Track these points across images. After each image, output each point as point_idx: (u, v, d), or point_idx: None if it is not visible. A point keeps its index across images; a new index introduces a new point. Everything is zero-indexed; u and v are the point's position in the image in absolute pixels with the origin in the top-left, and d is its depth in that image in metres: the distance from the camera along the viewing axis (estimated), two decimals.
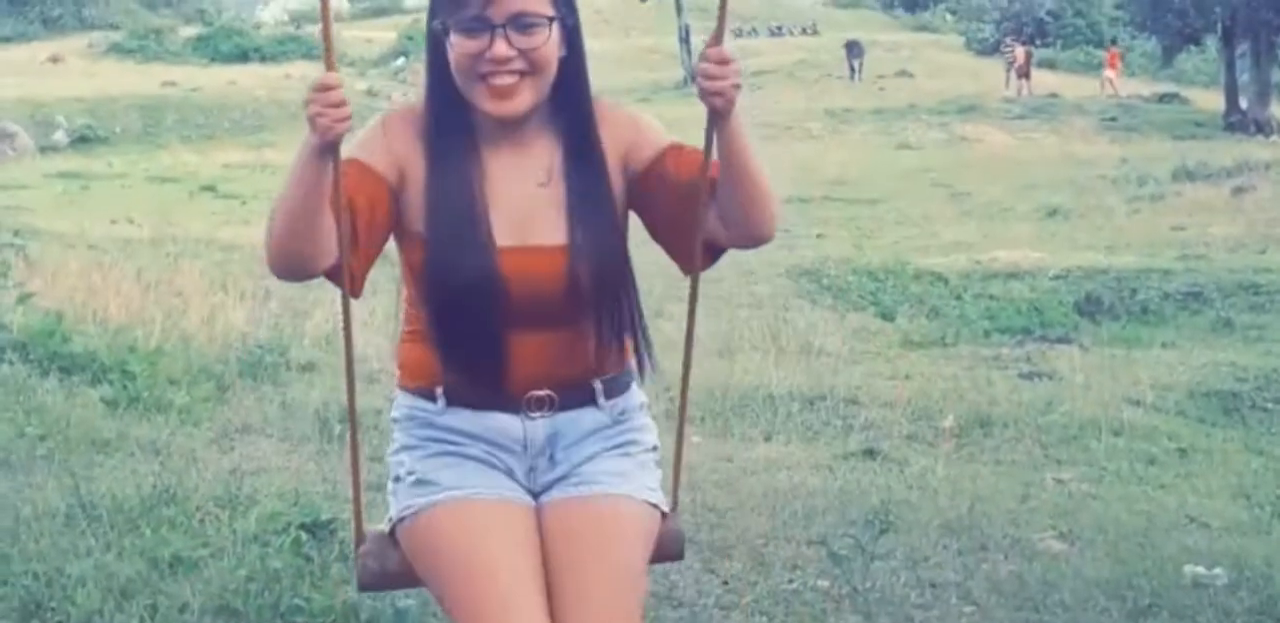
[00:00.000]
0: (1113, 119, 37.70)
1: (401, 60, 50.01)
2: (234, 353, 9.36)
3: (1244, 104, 37.62)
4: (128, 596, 4.65)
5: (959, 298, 15.61)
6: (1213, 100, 40.13)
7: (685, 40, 50.65)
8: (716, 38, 2.61)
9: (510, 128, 2.74)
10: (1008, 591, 5.34)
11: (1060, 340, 13.04)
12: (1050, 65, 50.56)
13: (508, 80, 2.65)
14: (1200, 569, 5.66)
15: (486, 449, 2.80)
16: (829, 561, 5.46)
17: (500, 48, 2.62)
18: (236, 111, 37.94)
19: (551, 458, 2.82)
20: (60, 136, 34.49)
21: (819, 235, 21.07)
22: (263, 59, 50.40)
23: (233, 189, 24.98)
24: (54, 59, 47.62)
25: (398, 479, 2.85)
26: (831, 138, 35.42)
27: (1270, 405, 10.45)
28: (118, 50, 51.51)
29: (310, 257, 2.62)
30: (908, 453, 8.09)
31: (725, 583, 5.23)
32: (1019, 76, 43.05)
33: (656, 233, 2.85)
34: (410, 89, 43.51)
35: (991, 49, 51.63)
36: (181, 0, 71.28)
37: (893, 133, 36.16)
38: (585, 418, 2.83)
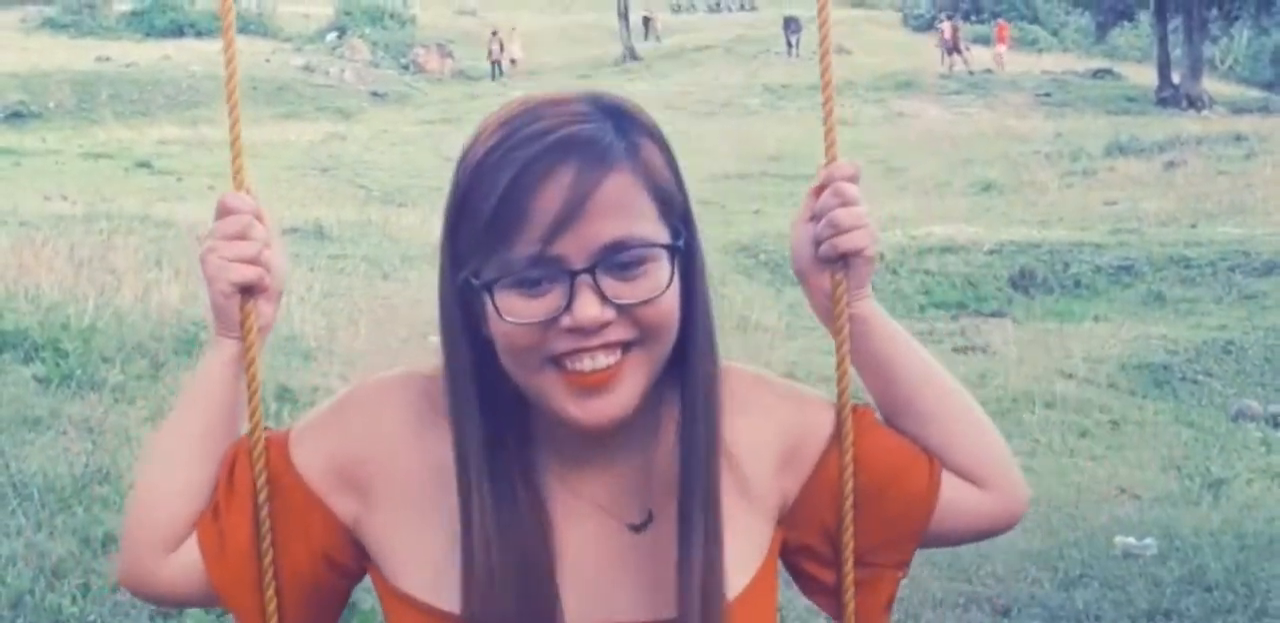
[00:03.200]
0: (1047, 95, 37.88)
1: (337, 35, 49.62)
2: (168, 330, 9.30)
3: (1176, 79, 37.87)
4: (59, 575, 4.63)
5: (895, 273, 15.69)
6: (1146, 75, 40.39)
7: (624, 16, 50.54)
8: (831, 151, 1.77)
9: (596, 438, 1.61)
10: (940, 562, 5.39)
11: (994, 314, 13.16)
12: (985, 41, 50.76)
13: (603, 361, 1.54)
14: (1131, 540, 5.74)
15: None
16: None
17: (589, 308, 1.51)
18: (171, 87, 37.54)
19: None
20: None
21: (756, 211, 21.11)
22: (198, 34, 49.87)
23: (168, 165, 24.75)
24: None
25: None
26: (770, 113, 35.44)
27: (1201, 378, 10.58)
28: (51, 25, 50.89)
29: (151, 532, 1.67)
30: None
31: None
32: (948, 52, 43.17)
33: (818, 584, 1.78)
34: (347, 64, 43.25)
35: (927, 25, 51.77)
36: None
37: None
38: None
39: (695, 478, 1.61)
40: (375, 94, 39.87)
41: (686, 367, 1.62)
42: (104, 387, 7.79)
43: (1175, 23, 40.47)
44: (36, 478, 5.60)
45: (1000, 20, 46.94)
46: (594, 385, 1.53)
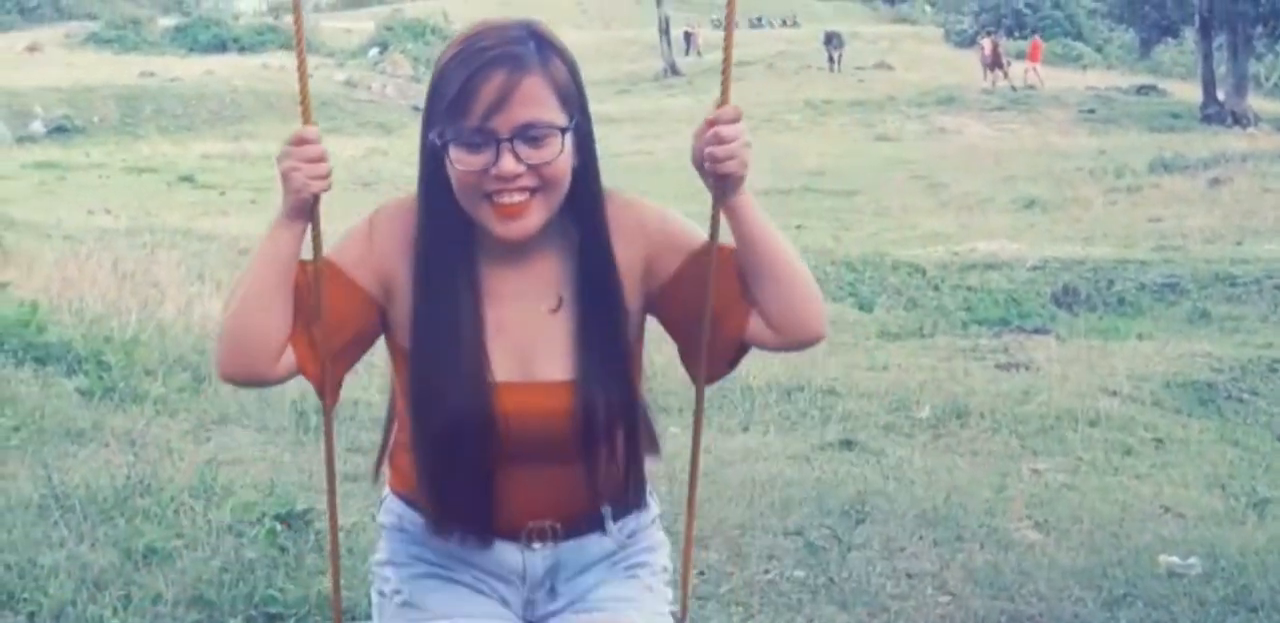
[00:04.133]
0: (1091, 111, 37.77)
1: (378, 51, 49.86)
2: (210, 343, 9.29)
3: (1221, 96, 37.71)
4: (101, 586, 4.63)
5: (936, 289, 15.65)
6: (1190, 92, 40.21)
7: (665, 31, 50.64)
8: (725, 95, 2.39)
9: (516, 247, 2.43)
10: (983, 580, 5.35)
11: (1037, 331, 13.08)
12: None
13: (517, 198, 2.35)
14: (1175, 559, 5.68)
15: (478, 576, 2.55)
16: (805, 551, 5.46)
17: (508, 163, 2.32)
18: (214, 102, 37.81)
19: (552, 590, 2.58)
20: (37, 127, 34.35)
21: (798, 226, 21.07)
22: (241, 49, 50.29)
23: (210, 180, 24.92)
24: (31, 48, 47.45)
25: (382, 594, 2.62)
26: (811, 129, 35.44)
27: (1246, 396, 10.49)
28: (95, 40, 51.35)
29: (262, 350, 2.36)
30: (885, 444, 8.10)
31: (702, 574, 5.22)
32: (989, 68, 43.05)
33: (680, 338, 2.55)
34: (389, 79, 43.45)
35: (970, 41, 51.70)
36: None
37: (872, 124, 36.18)
38: (591, 546, 2.58)
39: (592, 274, 2.44)
40: (416, 109, 39.86)
41: (581, 204, 2.43)
42: (146, 399, 7.81)
43: (1220, 39, 40.31)
44: (79, 490, 5.61)
45: (1035, 37, 46.67)
46: (510, 214, 2.35)
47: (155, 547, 4.96)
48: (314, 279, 2.40)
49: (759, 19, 70.76)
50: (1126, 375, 10.45)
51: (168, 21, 56.49)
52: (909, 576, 5.37)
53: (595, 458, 2.48)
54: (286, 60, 42.42)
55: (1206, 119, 36.59)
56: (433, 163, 2.40)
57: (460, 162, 2.34)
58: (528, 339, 2.44)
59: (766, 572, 5.32)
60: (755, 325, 2.45)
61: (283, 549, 4.95)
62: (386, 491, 2.66)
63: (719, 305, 2.45)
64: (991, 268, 16.36)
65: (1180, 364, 11.18)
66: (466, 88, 2.32)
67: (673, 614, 2.66)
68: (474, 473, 2.44)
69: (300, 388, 8.14)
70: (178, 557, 4.91)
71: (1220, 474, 8.09)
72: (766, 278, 2.42)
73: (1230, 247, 17.59)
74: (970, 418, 8.85)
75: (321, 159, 2.32)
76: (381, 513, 2.66)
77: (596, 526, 2.56)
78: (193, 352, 9.11)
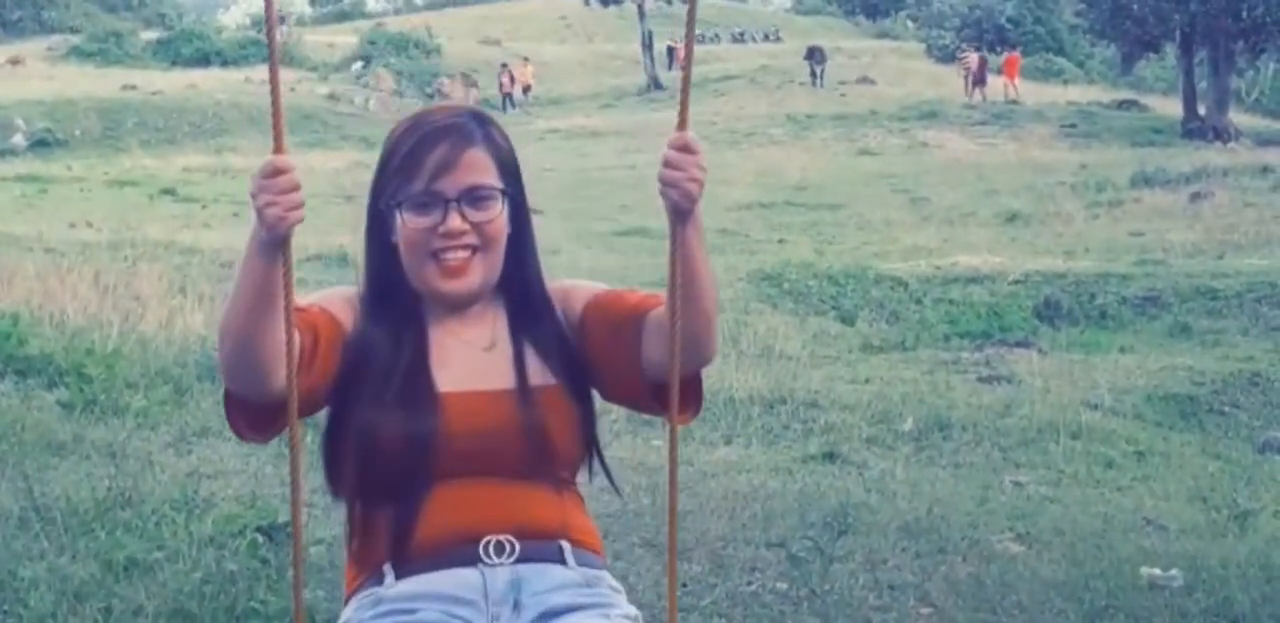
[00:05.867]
0: (1072, 126, 37.87)
1: (362, 65, 49.86)
2: (192, 356, 9.30)
3: (1202, 111, 37.85)
4: (81, 599, 4.61)
5: (919, 302, 15.66)
6: (1171, 107, 40.35)
7: (648, 46, 50.73)
8: (681, 121, 2.41)
9: (457, 307, 2.62)
10: (965, 592, 5.35)
11: (1019, 345, 13.10)
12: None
13: (460, 255, 2.54)
14: (1156, 571, 5.69)
15: (441, 609, 2.50)
16: (788, 563, 5.47)
17: (454, 222, 2.52)
18: (197, 115, 37.76)
19: (516, 605, 2.54)
20: (19, 140, 34.26)
21: (780, 240, 21.10)
22: (224, 63, 50.22)
23: (192, 193, 24.85)
24: (13, 61, 47.32)
25: None
26: (793, 143, 35.47)
27: (1227, 409, 10.52)
28: (77, 53, 51.21)
29: (268, 362, 2.41)
30: (867, 456, 8.11)
31: (684, 585, 5.22)
32: (973, 83, 43.17)
33: (608, 386, 2.67)
34: (372, 93, 43.45)
35: (952, 56, 51.83)
36: (142, 4, 71.05)
37: (854, 139, 36.24)
38: (553, 572, 2.57)
39: (531, 315, 2.65)
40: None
41: (515, 268, 2.64)
42: (127, 412, 7.79)
43: (1201, 55, 40.50)
44: (59, 502, 5.60)
45: (1011, 53, 46.68)
46: (454, 271, 2.56)
47: (136, 559, 4.94)
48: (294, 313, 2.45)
49: (741, 34, 70.87)
50: (1108, 389, 10.48)
51: (150, 35, 56.39)
52: (891, 588, 5.38)
53: (543, 471, 2.59)
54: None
55: (1188, 134, 36.72)
56: (378, 231, 2.63)
57: (410, 222, 2.54)
58: (469, 364, 2.60)
59: (749, 584, 5.32)
60: (651, 352, 2.56)
61: (264, 562, 4.94)
62: (346, 607, 2.61)
63: (628, 334, 2.59)
64: (974, 281, 16.38)
65: (1161, 377, 11.21)
66: (416, 153, 2.55)
67: None
68: (413, 483, 2.54)
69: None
70: (159, 569, 4.89)
71: (1201, 487, 8.12)
72: (686, 302, 2.47)
73: (1211, 261, 17.65)
74: (952, 431, 8.87)
75: (295, 189, 2.29)
76: (341, 617, 2.62)
77: (556, 556, 2.59)
78: (174, 365, 9.09)
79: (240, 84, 41.92)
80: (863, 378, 10.73)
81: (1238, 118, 39.31)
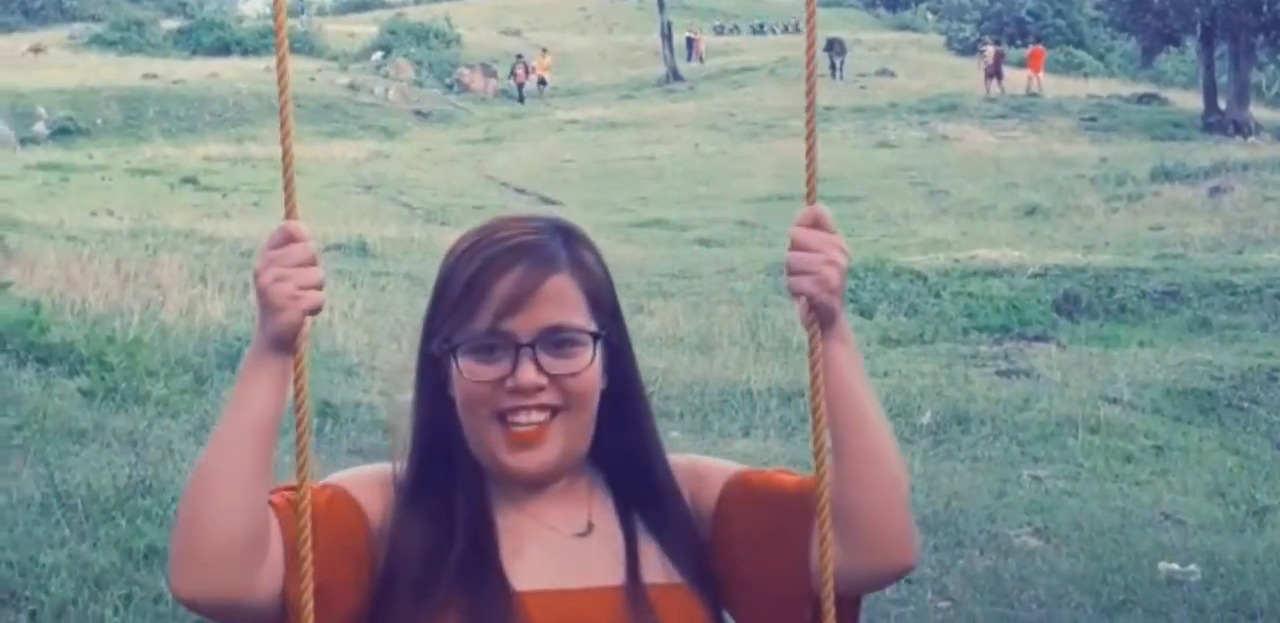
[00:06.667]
0: (1092, 119, 37.74)
1: (382, 55, 49.89)
2: (212, 345, 9.34)
3: (1223, 105, 37.69)
4: (101, 586, 4.64)
5: (937, 296, 15.64)
6: (1192, 101, 40.20)
7: (667, 37, 50.67)
8: (810, 191, 1.94)
9: (531, 486, 1.94)
10: (983, 586, 5.36)
11: (1038, 338, 13.09)
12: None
13: (535, 418, 1.87)
14: (1174, 566, 5.69)
15: None
16: None
17: (527, 374, 1.85)
18: (217, 104, 37.81)
19: None
20: (41, 128, 34.36)
21: None
22: (244, 52, 50.25)
23: (213, 182, 24.92)
24: (35, 50, 47.45)
25: None
26: None
27: (1246, 404, 10.49)
28: (99, 42, 51.36)
29: (251, 553, 1.75)
30: None
31: None
32: (988, 76, 43.03)
33: (747, 607, 1.96)
34: (392, 83, 43.47)
35: (972, 48, 51.68)
36: None
37: (873, 131, 36.17)
38: None
39: (645, 494, 1.96)
40: (419, 113, 40.07)
41: (618, 432, 1.96)
42: (148, 400, 7.83)
43: (1222, 48, 40.32)
44: (80, 490, 5.63)
45: (1035, 47, 46.56)
46: (526, 440, 1.87)
47: (156, 547, 4.97)
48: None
49: (761, 26, 70.74)
50: (1127, 383, 10.46)
51: (171, 24, 56.50)
52: (909, 581, 5.38)
53: None
54: (291, 63, 42.18)
55: (1208, 128, 36.56)
56: (431, 380, 1.94)
57: (470, 372, 1.87)
58: (560, 555, 1.92)
59: None
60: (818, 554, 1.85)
61: None
62: None
63: (780, 539, 1.91)
64: (992, 275, 16.36)
65: (1180, 372, 11.18)
66: (478, 283, 1.89)
67: None
68: None
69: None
70: None
71: (1220, 482, 8.11)
72: (839, 447, 1.84)
73: (1231, 255, 17.59)
74: (971, 424, 8.86)
75: (311, 263, 1.75)
76: None
77: None
78: (194, 354, 9.12)
79: (261, 73, 41.96)
80: (881, 371, 10.73)
81: (1258, 112, 39.13)
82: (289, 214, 1.77)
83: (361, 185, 24.73)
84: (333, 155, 27.97)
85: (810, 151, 1.98)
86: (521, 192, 25.23)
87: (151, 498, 5.58)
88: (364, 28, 59.12)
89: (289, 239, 1.74)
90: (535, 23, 67.92)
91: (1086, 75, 49.98)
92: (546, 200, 23.39)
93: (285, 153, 1.79)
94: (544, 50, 50.11)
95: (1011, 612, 5.14)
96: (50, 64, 44.26)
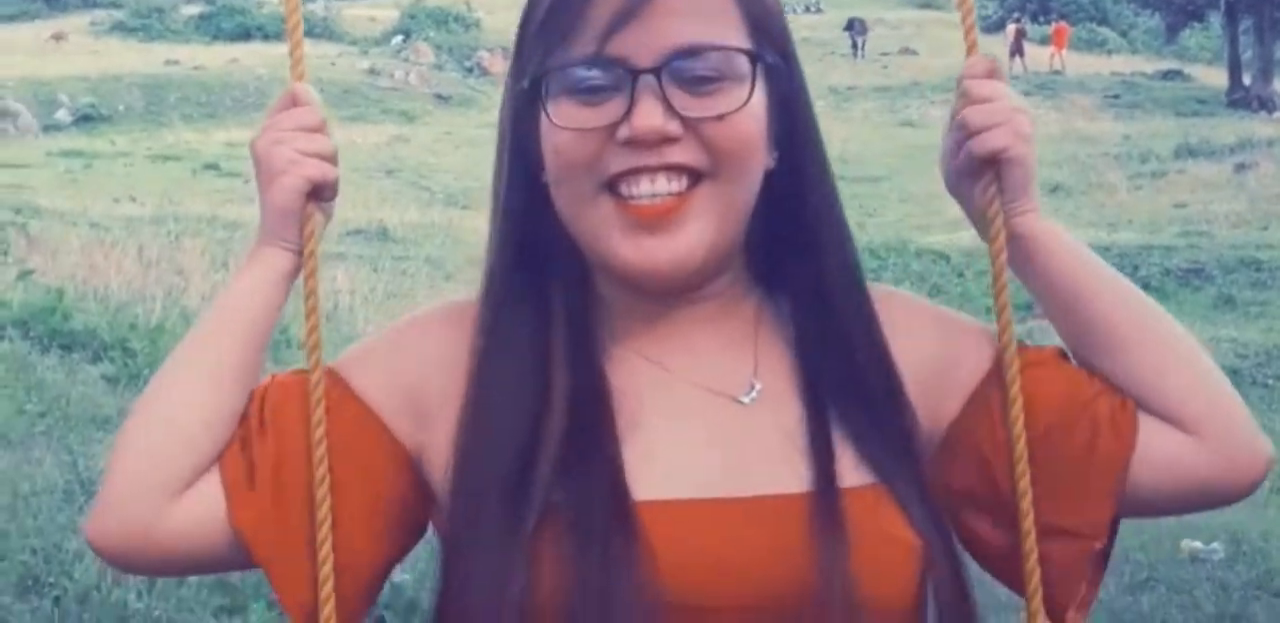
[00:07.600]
0: (1116, 96, 37.59)
1: (402, 39, 49.88)
2: None
3: (1247, 81, 37.50)
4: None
5: (961, 275, 15.61)
6: (1216, 77, 39.98)
7: None
8: (970, 45, 1.56)
9: (664, 297, 1.36)
10: None
11: None
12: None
13: (666, 187, 1.28)
14: (1198, 544, 5.68)
15: None
16: None
17: (650, 116, 1.26)
18: (239, 90, 37.83)
19: None
20: (63, 115, 34.43)
21: None
22: (265, 37, 50.23)
23: (235, 167, 24.91)
24: (57, 37, 47.52)
25: None
26: (835, 115, 35.32)
27: (1271, 382, 10.46)
28: (121, 28, 51.47)
29: (161, 472, 1.33)
30: None
31: None
32: (1011, 54, 42.89)
33: (985, 543, 1.47)
34: (412, 67, 43.47)
35: (996, 26, 51.49)
36: None
37: (896, 110, 36.10)
38: None
39: (838, 336, 1.39)
40: (439, 97, 40.07)
41: (797, 230, 1.38)
42: None
43: (1246, 24, 40.10)
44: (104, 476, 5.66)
45: (1058, 24, 46.35)
46: (653, 219, 1.27)
47: None
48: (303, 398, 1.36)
49: (782, 5, 70.64)
50: None
51: (191, 10, 56.53)
52: None
53: None
54: (310, 48, 42.20)
55: (1232, 104, 36.39)
56: (519, 163, 1.38)
57: (564, 117, 1.29)
58: (699, 443, 1.34)
59: None
60: (1149, 427, 1.42)
61: None
62: None
63: (1058, 416, 1.42)
64: None
65: (1205, 350, 11.15)
66: None
67: None
68: None
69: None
70: None
71: None
72: (1140, 346, 1.47)
73: (1256, 232, 17.51)
74: None
75: (317, 129, 1.43)
76: None
77: None
78: None
79: (282, 59, 41.26)
80: None
81: None
82: (296, 76, 1.53)
83: (382, 170, 24.73)
84: (353, 140, 27.96)
85: (967, 17, 1.63)
86: None
87: None
88: (384, 12, 59.09)
89: (294, 102, 1.45)
90: None
91: (1110, 52, 49.80)
92: None
93: (291, 13, 1.58)
94: None
95: None
96: (72, 51, 44.34)
